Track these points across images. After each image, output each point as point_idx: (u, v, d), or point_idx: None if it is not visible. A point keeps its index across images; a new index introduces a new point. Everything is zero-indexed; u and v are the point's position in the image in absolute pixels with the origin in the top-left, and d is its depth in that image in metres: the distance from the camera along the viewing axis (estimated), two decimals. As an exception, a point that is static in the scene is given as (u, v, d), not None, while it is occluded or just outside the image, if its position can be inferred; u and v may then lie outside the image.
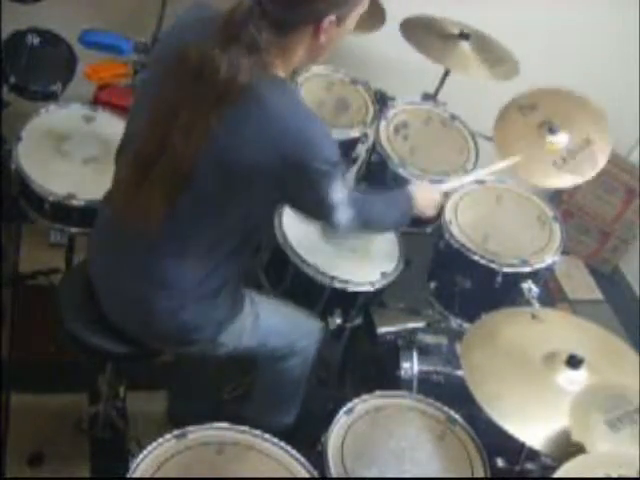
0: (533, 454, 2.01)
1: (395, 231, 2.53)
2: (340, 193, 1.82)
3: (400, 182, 2.67)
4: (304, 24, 1.68)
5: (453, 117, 2.93)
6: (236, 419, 1.90)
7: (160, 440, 1.77)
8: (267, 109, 1.66)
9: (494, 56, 2.87)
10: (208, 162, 1.69)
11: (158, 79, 1.74)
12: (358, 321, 2.47)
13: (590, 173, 2.57)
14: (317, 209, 1.88)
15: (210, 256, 1.86)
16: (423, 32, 2.87)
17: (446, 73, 2.95)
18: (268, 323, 2.13)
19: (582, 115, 2.68)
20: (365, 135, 2.83)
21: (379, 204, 2.14)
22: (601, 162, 2.57)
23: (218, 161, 1.70)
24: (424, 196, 2.29)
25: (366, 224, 2.07)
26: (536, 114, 2.68)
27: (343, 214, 1.87)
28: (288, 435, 1.92)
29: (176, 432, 1.79)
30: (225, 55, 1.62)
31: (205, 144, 1.67)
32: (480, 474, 1.94)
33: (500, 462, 2.06)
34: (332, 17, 1.68)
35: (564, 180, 2.58)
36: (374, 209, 2.11)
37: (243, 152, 1.68)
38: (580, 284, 3.75)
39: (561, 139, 2.61)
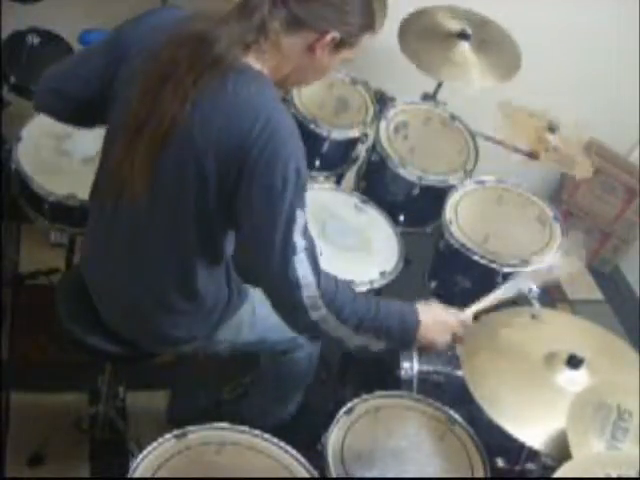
0: (533, 454, 2.01)
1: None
2: (300, 231, 1.63)
3: (400, 187, 2.68)
4: (310, 29, 1.65)
5: (453, 117, 2.93)
6: (236, 419, 1.90)
7: (160, 440, 1.77)
8: (240, 94, 1.62)
9: (495, 52, 2.85)
10: (184, 129, 1.64)
11: (146, 62, 1.69)
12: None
13: (560, 169, 2.72)
14: (262, 232, 1.64)
15: (204, 253, 1.84)
16: (421, 38, 2.86)
17: (446, 73, 2.96)
18: (267, 317, 2.10)
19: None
20: (365, 135, 2.83)
21: (359, 297, 1.76)
22: (577, 174, 2.68)
23: (189, 133, 1.64)
24: (434, 320, 1.84)
25: (336, 308, 1.69)
26: (542, 119, 2.74)
27: (300, 264, 1.64)
28: (288, 434, 1.92)
29: (176, 432, 1.79)
30: (230, 27, 1.60)
31: (185, 109, 1.62)
32: (480, 474, 1.94)
33: (500, 462, 2.06)
34: (336, 34, 1.66)
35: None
36: (346, 294, 1.73)
37: (204, 129, 1.63)
38: (580, 284, 3.74)
39: (554, 141, 2.69)
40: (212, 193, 1.68)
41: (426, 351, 1.89)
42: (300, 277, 1.64)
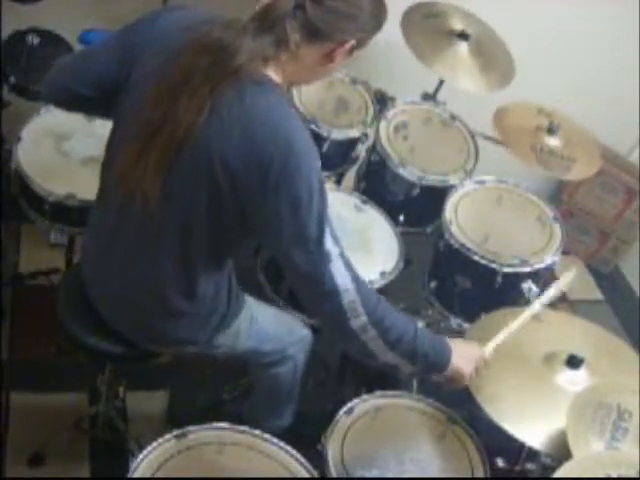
0: (533, 454, 2.01)
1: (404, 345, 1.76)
2: (331, 238, 1.65)
3: (400, 187, 2.67)
4: (331, 40, 1.66)
5: (453, 117, 2.94)
6: (236, 419, 1.90)
7: (160, 440, 1.77)
8: (259, 106, 1.62)
9: (490, 61, 2.85)
10: (199, 138, 1.63)
11: (161, 65, 1.68)
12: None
13: (553, 174, 2.73)
14: (296, 244, 1.64)
15: (209, 260, 1.84)
16: (424, 26, 2.85)
17: (445, 73, 2.95)
18: (263, 327, 2.13)
19: (584, 149, 2.77)
20: (365, 135, 2.83)
21: (400, 314, 1.77)
22: (572, 176, 2.73)
23: (205, 143, 1.63)
24: (462, 352, 1.86)
25: (376, 318, 1.69)
26: (544, 120, 2.75)
27: (337, 271, 1.65)
28: (288, 435, 1.92)
29: (176, 432, 1.79)
30: (251, 40, 1.59)
31: (200, 119, 1.61)
32: (480, 474, 1.94)
33: (500, 462, 2.07)
34: (354, 41, 1.68)
35: (528, 159, 2.65)
36: (387, 307, 1.74)
37: (221, 140, 1.62)
38: (580, 284, 3.74)
39: (553, 142, 2.69)
40: (226, 204, 1.68)
41: (451, 382, 1.88)
42: (339, 284, 1.65)
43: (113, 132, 1.86)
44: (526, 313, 2.03)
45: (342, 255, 1.67)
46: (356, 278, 1.68)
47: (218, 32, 1.62)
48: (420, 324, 1.83)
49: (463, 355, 1.85)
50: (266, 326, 2.14)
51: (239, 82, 1.61)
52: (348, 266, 1.68)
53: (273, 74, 1.66)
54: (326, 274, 1.64)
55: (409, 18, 2.84)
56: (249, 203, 1.66)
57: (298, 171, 1.62)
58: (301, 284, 1.72)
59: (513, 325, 1.99)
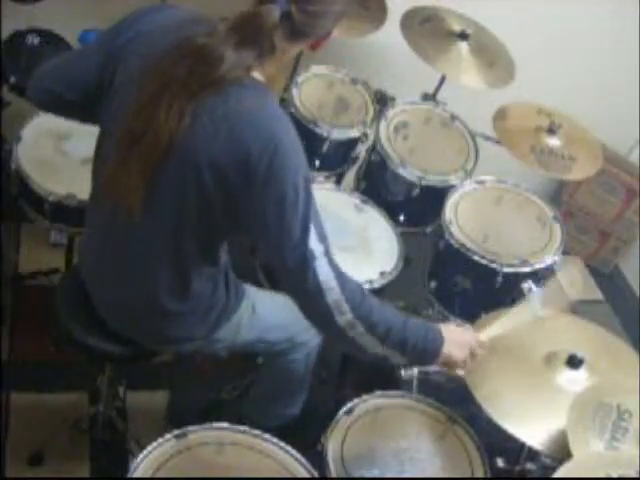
0: (533, 454, 2.01)
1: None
2: (316, 236, 1.65)
3: (400, 187, 2.67)
4: (315, 36, 1.68)
5: (453, 117, 2.94)
6: (236, 418, 1.90)
7: (160, 440, 1.77)
8: (242, 107, 1.62)
9: (491, 59, 2.86)
10: (183, 143, 1.63)
11: (143, 70, 1.67)
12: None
13: (553, 174, 2.72)
14: (280, 241, 1.64)
15: (201, 260, 1.84)
16: (423, 29, 2.86)
17: (445, 73, 2.96)
18: (266, 317, 2.12)
19: (585, 149, 2.78)
20: (365, 135, 2.83)
21: (387, 306, 1.77)
22: (572, 176, 2.73)
23: (190, 147, 1.64)
24: (454, 338, 1.85)
25: (363, 313, 1.70)
26: (545, 120, 2.75)
27: (321, 269, 1.65)
28: (288, 435, 1.92)
29: (176, 432, 1.79)
30: (235, 52, 1.59)
31: (182, 125, 1.61)
32: (480, 474, 1.94)
33: (500, 462, 2.06)
34: (336, 32, 1.71)
35: (528, 160, 2.67)
36: (373, 301, 1.75)
37: (206, 143, 1.63)
38: (580, 284, 3.74)
39: (553, 142, 2.70)
40: (215, 204, 1.68)
41: (446, 368, 1.89)
42: (322, 282, 1.66)
43: (100, 135, 1.86)
44: (524, 307, 2.03)
45: (327, 253, 1.67)
46: (340, 276, 1.69)
47: (200, 39, 1.62)
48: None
49: (456, 341, 1.84)
50: (268, 316, 2.13)
51: (220, 89, 1.61)
52: (332, 264, 1.68)
53: (257, 74, 1.67)
54: (309, 272, 1.65)
55: (407, 23, 2.85)
56: (237, 201, 1.66)
57: (284, 170, 1.62)
58: (286, 281, 1.72)
59: (511, 315, 1.99)
